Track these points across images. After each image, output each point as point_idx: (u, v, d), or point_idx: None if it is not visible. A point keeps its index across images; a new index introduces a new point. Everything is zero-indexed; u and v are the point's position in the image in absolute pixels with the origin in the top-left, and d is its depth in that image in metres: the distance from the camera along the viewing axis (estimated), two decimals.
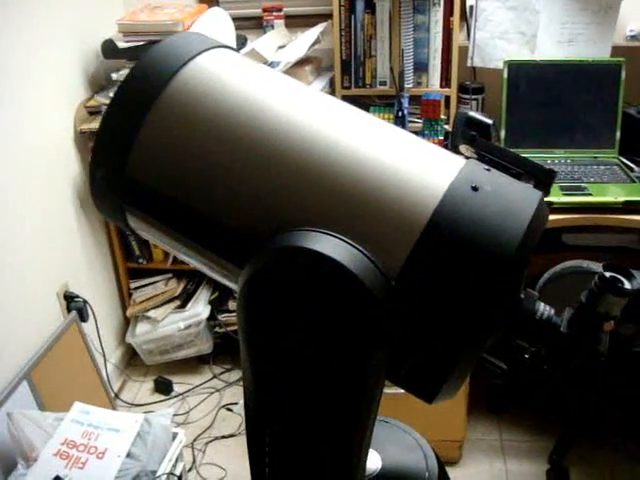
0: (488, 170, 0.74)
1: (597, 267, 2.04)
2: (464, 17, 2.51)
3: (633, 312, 2.12)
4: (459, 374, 0.71)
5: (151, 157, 0.76)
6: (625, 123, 2.44)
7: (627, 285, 0.73)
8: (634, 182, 2.30)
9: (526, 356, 0.79)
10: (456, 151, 0.82)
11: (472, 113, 0.84)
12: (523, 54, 2.47)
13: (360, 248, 0.67)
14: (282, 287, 0.67)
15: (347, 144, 0.73)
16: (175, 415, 2.55)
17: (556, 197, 2.12)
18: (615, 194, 2.22)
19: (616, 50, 2.46)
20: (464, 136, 0.83)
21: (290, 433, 0.74)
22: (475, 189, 0.69)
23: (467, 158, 0.78)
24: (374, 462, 0.95)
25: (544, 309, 0.77)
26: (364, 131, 0.77)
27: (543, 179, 0.79)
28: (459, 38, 2.47)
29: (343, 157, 0.72)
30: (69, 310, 2.49)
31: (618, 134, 2.44)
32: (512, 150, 0.82)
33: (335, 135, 0.74)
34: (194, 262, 0.85)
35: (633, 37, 2.62)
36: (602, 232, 2.31)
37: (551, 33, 2.42)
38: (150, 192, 0.76)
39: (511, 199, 0.71)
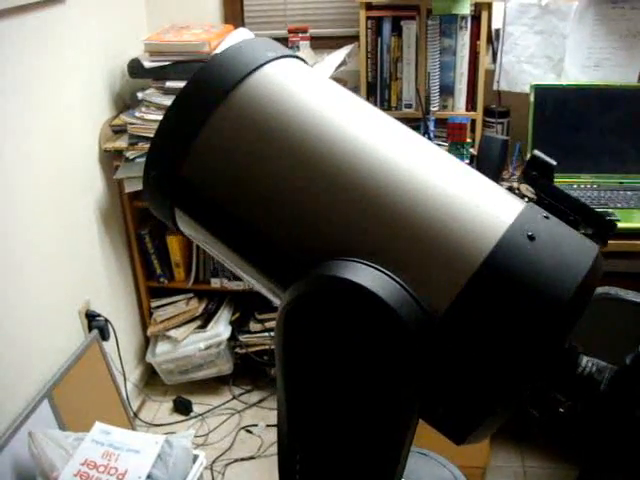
0: (547, 218, 0.73)
1: (625, 294, 2.01)
2: (490, 41, 2.50)
3: None
4: (493, 420, 0.69)
5: (208, 162, 0.75)
6: None
7: None
8: None
9: (561, 410, 0.78)
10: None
11: (537, 152, 0.83)
12: (550, 78, 2.46)
13: (403, 283, 0.66)
14: (321, 315, 0.66)
15: (413, 177, 0.72)
16: (194, 436, 2.53)
17: None
18: None
19: None
20: (526, 175, 0.82)
21: (321, 461, 0.73)
22: (532, 238, 0.68)
23: (526, 198, 0.77)
24: None
25: (587, 364, 0.75)
26: (430, 163, 0.75)
27: (602, 229, 0.78)
28: (485, 62, 2.46)
29: (407, 190, 0.71)
30: (90, 329, 2.48)
31: None
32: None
33: (403, 167, 0.73)
34: (238, 271, 0.84)
35: None
36: (631, 258, 2.29)
37: (578, 57, 2.41)
38: (202, 198, 0.76)
39: (567, 252, 0.69)
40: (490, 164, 2.42)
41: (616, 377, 0.73)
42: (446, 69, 2.48)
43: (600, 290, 1.94)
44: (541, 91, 2.41)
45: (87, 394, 2.40)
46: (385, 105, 2.55)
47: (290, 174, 0.73)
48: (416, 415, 0.70)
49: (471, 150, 2.45)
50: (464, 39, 2.42)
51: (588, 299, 0.69)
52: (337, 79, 2.61)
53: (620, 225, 2.18)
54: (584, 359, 0.75)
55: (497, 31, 2.51)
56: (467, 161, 2.41)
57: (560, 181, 2.40)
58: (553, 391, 0.75)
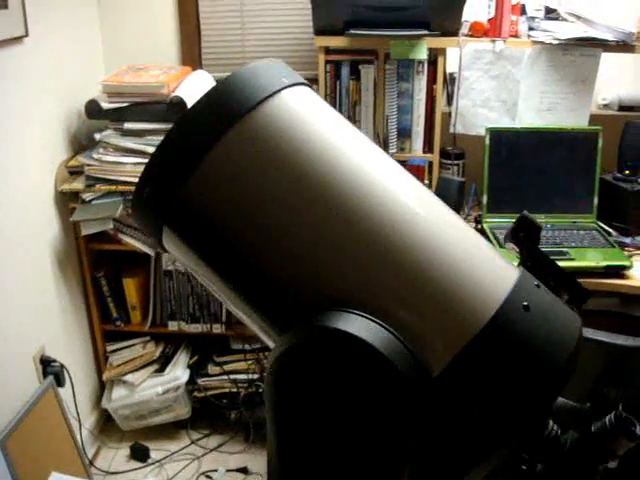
0: (538, 286, 0.76)
1: (584, 332, 2.04)
2: (445, 85, 2.57)
3: (619, 377, 2.13)
4: (479, 473, 0.71)
5: (213, 185, 0.72)
6: (602, 189, 2.51)
7: (638, 430, 0.77)
8: (613, 247, 2.35)
9: (523, 467, 0.81)
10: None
11: (526, 213, 0.85)
12: (504, 121, 2.53)
13: (403, 340, 0.67)
14: (317, 365, 0.66)
15: (427, 237, 0.72)
16: None
17: None
18: (596, 259, 2.27)
19: (591, 118, 2.54)
20: (514, 235, 0.84)
21: None
22: (527, 308, 0.71)
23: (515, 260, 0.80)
24: None
25: (553, 426, 0.80)
26: (440, 222, 0.76)
27: (577, 298, 0.81)
28: (441, 105, 2.52)
29: (418, 250, 0.71)
30: (45, 375, 2.41)
31: (596, 200, 2.51)
32: (544, 253, 0.83)
33: (420, 225, 0.73)
34: (227, 303, 0.82)
35: (606, 106, 2.72)
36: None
37: (531, 101, 2.49)
38: (199, 222, 0.73)
39: (557, 323, 0.73)
40: (447, 205, 2.47)
41: (580, 443, 0.79)
42: (404, 112, 2.52)
43: None
44: (496, 134, 2.47)
45: (42, 443, 2.31)
46: None
47: (299, 208, 0.72)
48: (408, 466, 0.70)
49: None
50: (421, 83, 2.47)
51: (574, 367, 0.72)
52: None
53: (576, 264, 2.26)
54: (550, 421, 0.80)
55: (451, 75, 2.58)
56: None
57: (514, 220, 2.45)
58: (520, 450, 0.78)
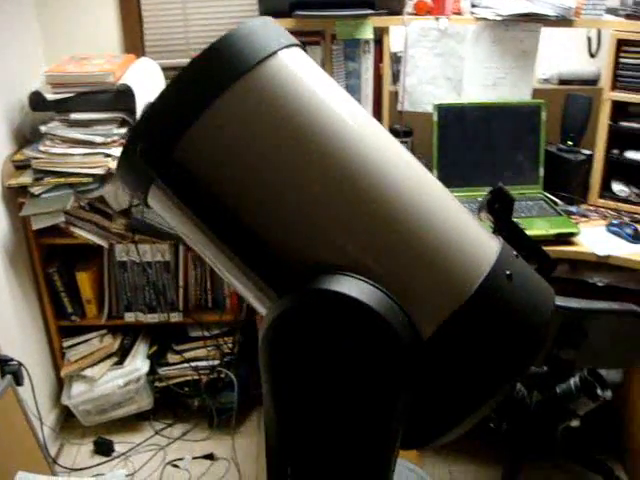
0: (517, 256, 0.81)
1: None
2: (392, 63, 2.60)
3: (573, 339, 2.22)
4: (468, 424, 0.76)
5: (208, 144, 0.72)
6: (547, 160, 2.59)
7: (600, 392, 0.88)
8: (560, 215, 2.43)
9: (491, 425, 0.87)
10: None
11: (501, 185, 0.89)
12: (451, 98, 2.58)
13: (398, 303, 0.70)
14: (315, 328, 0.68)
15: (420, 201, 0.75)
16: None
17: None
18: (546, 227, 2.34)
19: (534, 92, 2.61)
20: (490, 206, 0.88)
21: (313, 472, 0.74)
22: (510, 277, 0.75)
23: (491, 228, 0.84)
24: None
25: (520, 388, 0.87)
26: (433, 192, 0.79)
27: (546, 267, 0.87)
28: (388, 84, 2.55)
29: (413, 214, 0.74)
30: (3, 374, 2.36)
31: (542, 171, 2.58)
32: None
33: (410, 190, 0.75)
34: (216, 265, 0.82)
35: (546, 80, 2.80)
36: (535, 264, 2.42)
37: (476, 77, 2.54)
38: (192, 180, 0.73)
39: (536, 292, 0.79)
40: None
41: (545, 404, 0.89)
42: (352, 92, 2.54)
43: None
44: (443, 110, 2.52)
45: (4, 443, 2.27)
46: None
47: (296, 166, 0.72)
48: (405, 419, 0.73)
49: None
50: (368, 62, 2.50)
51: (548, 331, 0.78)
52: None
53: (528, 234, 2.32)
54: (517, 384, 0.87)
55: (396, 54, 2.61)
56: None
57: (465, 195, 2.51)
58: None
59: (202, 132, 0.71)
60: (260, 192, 0.72)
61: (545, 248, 2.41)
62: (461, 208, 0.81)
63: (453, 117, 2.53)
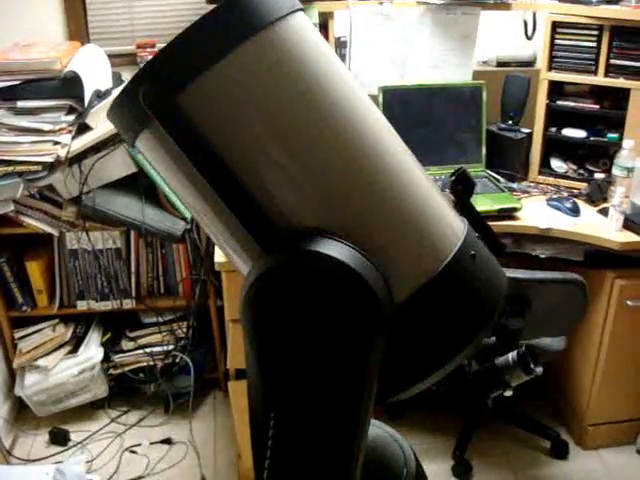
0: (478, 238, 0.87)
1: None
2: (337, 47, 2.65)
3: (519, 309, 2.32)
4: (422, 385, 0.82)
5: (214, 95, 0.72)
6: (489, 139, 2.68)
7: (533, 367, 0.99)
8: (503, 192, 2.53)
9: (433, 388, 0.92)
10: None
11: (465, 169, 0.96)
12: (395, 80, 2.65)
13: (378, 268, 0.74)
14: (298, 287, 0.70)
15: (411, 175, 0.80)
16: None
17: None
18: (489, 203, 2.43)
19: (474, 74, 2.70)
20: (453, 187, 0.94)
21: (295, 427, 0.76)
22: (474, 257, 0.82)
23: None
24: None
25: None
26: (416, 166, 0.83)
27: (495, 250, 0.92)
28: None
29: (404, 186, 0.78)
30: None
31: (484, 150, 2.67)
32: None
33: (393, 162, 0.79)
34: (200, 217, 0.82)
35: (485, 62, 2.89)
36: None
37: (419, 60, 2.62)
38: (192, 129, 0.72)
39: (494, 272, 0.85)
40: None
41: (482, 372, 1.01)
42: None
43: None
44: (388, 92, 2.58)
45: None
46: None
47: (297, 127, 0.74)
48: (378, 374, 0.76)
49: None
50: None
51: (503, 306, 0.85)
52: None
53: None
54: None
55: (340, 39, 2.66)
56: None
57: None
58: None
59: (210, 82, 0.71)
60: (256, 149, 0.74)
61: (490, 223, 2.51)
62: (436, 187, 0.85)
63: (398, 99, 2.60)
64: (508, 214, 2.42)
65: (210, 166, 0.73)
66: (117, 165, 2.51)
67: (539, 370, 1.01)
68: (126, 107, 0.76)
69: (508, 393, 1.04)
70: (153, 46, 2.72)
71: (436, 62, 2.62)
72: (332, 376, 0.73)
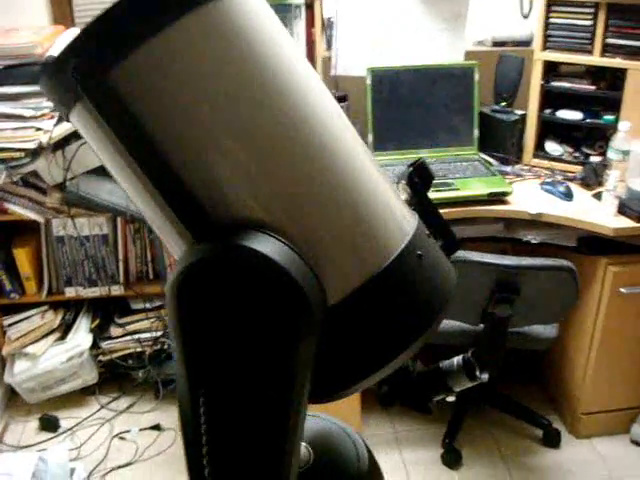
0: (428, 236, 0.82)
1: (471, 255, 2.17)
2: (324, 28, 2.59)
3: (508, 296, 2.26)
4: (363, 384, 0.78)
5: (147, 73, 0.67)
6: (481, 121, 2.62)
7: (478, 374, 0.94)
8: (495, 175, 2.47)
9: (374, 388, 0.91)
10: None
11: (425, 160, 0.90)
12: (384, 61, 2.58)
13: (312, 267, 0.70)
14: (227, 280, 0.67)
15: (346, 165, 0.74)
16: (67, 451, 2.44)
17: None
18: (480, 187, 2.37)
19: (468, 55, 2.63)
20: (410, 178, 0.88)
21: (224, 426, 0.73)
22: (420, 258, 0.77)
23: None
24: (304, 454, 0.98)
25: None
26: (362, 157, 0.78)
27: (450, 247, 0.88)
28: (322, 49, 2.54)
29: (345, 180, 0.73)
30: None
31: (476, 132, 2.61)
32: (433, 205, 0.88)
33: (338, 153, 0.74)
34: (130, 190, 0.78)
35: (480, 42, 2.81)
36: (473, 224, 2.45)
37: (409, 39, 2.55)
38: (122, 107, 0.68)
39: (441, 274, 0.81)
40: None
41: (427, 375, 0.96)
42: None
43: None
44: (377, 74, 2.52)
45: None
46: None
47: (234, 110, 0.69)
48: (309, 376, 0.73)
49: None
50: (299, 27, 2.48)
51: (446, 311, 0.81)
52: None
53: (461, 194, 2.36)
54: None
55: (329, 20, 2.60)
56: None
57: (400, 158, 2.53)
58: None
59: (145, 59, 0.66)
60: (190, 134, 0.69)
61: (480, 208, 2.45)
62: (386, 179, 0.81)
63: (387, 80, 2.53)
64: (498, 198, 2.36)
65: (140, 148, 0.69)
66: None
67: (484, 377, 0.97)
68: (57, 79, 0.70)
69: (450, 398, 1.00)
70: None
71: (426, 42, 2.55)
72: (257, 377, 0.70)
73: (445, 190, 2.33)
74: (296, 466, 0.77)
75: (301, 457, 0.94)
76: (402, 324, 0.76)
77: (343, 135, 0.76)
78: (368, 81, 2.50)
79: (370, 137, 2.53)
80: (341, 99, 2.66)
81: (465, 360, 0.95)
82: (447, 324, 2.35)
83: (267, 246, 0.67)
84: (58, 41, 2.47)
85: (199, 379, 0.71)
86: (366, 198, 0.75)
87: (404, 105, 2.55)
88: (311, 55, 2.53)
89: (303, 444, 0.96)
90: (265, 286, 0.67)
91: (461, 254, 2.20)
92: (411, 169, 0.90)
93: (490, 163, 2.57)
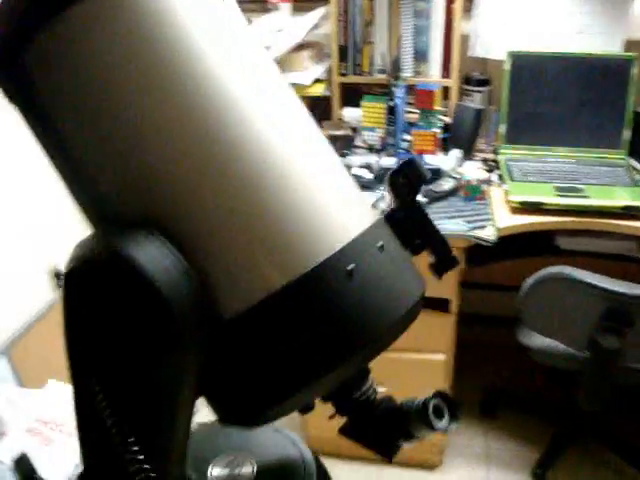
0: (381, 249, 0.68)
1: (579, 274, 1.92)
2: (469, 4, 2.38)
3: (617, 327, 1.98)
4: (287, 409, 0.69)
5: (57, 54, 0.63)
6: (636, 122, 2.29)
7: (439, 423, 0.73)
8: (638, 186, 2.16)
9: (330, 417, 0.80)
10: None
11: (416, 158, 0.76)
12: (527, 45, 2.33)
13: (196, 280, 0.62)
14: (98, 283, 0.62)
15: (279, 164, 0.65)
16: None
17: (548, 197, 2.00)
18: (616, 198, 2.08)
19: (627, 44, 2.30)
20: (393, 179, 0.75)
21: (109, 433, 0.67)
22: (350, 274, 0.64)
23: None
24: (248, 467, 0.91)
25: (368, 389, 0.77)
26: (302, 153, 0.68)
27: (443, 263, 0.75)
28: (462, 26, 2.34)
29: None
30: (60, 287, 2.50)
31: (627, 133, 2.29)
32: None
33: (277, 145, 0.66)
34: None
35: None
36: (601, 237, 2.18)
37: (558, 24, 2.28)
38: (31, 90, 0.66)
39: (381, 297, 0.66)
40: (464, 133, 2.33)
41: (388, 414, 0.77)
42: (420, 33, 2.37)
43: (555, 269, 1.89)
44: (519, 58, 2.29)
45: (48, 354, 2.42)
46: (357, 70, 2.46)
47: (145, 101, 0.63)
48: (192, 396, 0.67)
49: (443, 118, 2.35)
50: (438, 2, 2.30)
51: (393, 338, 0.70)
52: (312, 42, 2.53)
53: (588, 202, 2.08)
54: (369, 382, 0.77)
55: None
56: (438, 130, 2.32)
57: (534, 154, 2.29)
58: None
59: (50, 41, 0.63)
60: (90, 117, 0.65)
61: (610, 221, 2.16)
62: (331, 175, 0.70)
63: (529, 67, 2.29)
64: (635, 213, 2.06)
65: (43, 127, 0.67)
66: None
67: (452, 427, 0.75)
68: None
69: (408, 445, 0.82)
70: None
71: (578, 27, 2.26)
72: (130, 384, 0.65)
73: (571, 196, 2.06)
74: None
75: (243, 471, 0.89)
76: (315, 349, 0.64)
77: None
78: (507, 66, 2.28)
79: (503, 128, 2.32)
80: (482, 83, 2.46)
81: (422, 404, 0.75)
82: (552, 344, 2.12)
83: (144, 251, 0.61)
84: None
85: (80, 367, 0.67)
86: (279, 200, 0.64)
87: (545, 96, 2.30)
88: (449, 32, 2.34)
89: (245, 455, 0.90)
90: (130, 294, 0.61)
91: (568, 270, 1.96)
92: (396, 167, 0.76)
93: (638, 171, 2.25)
